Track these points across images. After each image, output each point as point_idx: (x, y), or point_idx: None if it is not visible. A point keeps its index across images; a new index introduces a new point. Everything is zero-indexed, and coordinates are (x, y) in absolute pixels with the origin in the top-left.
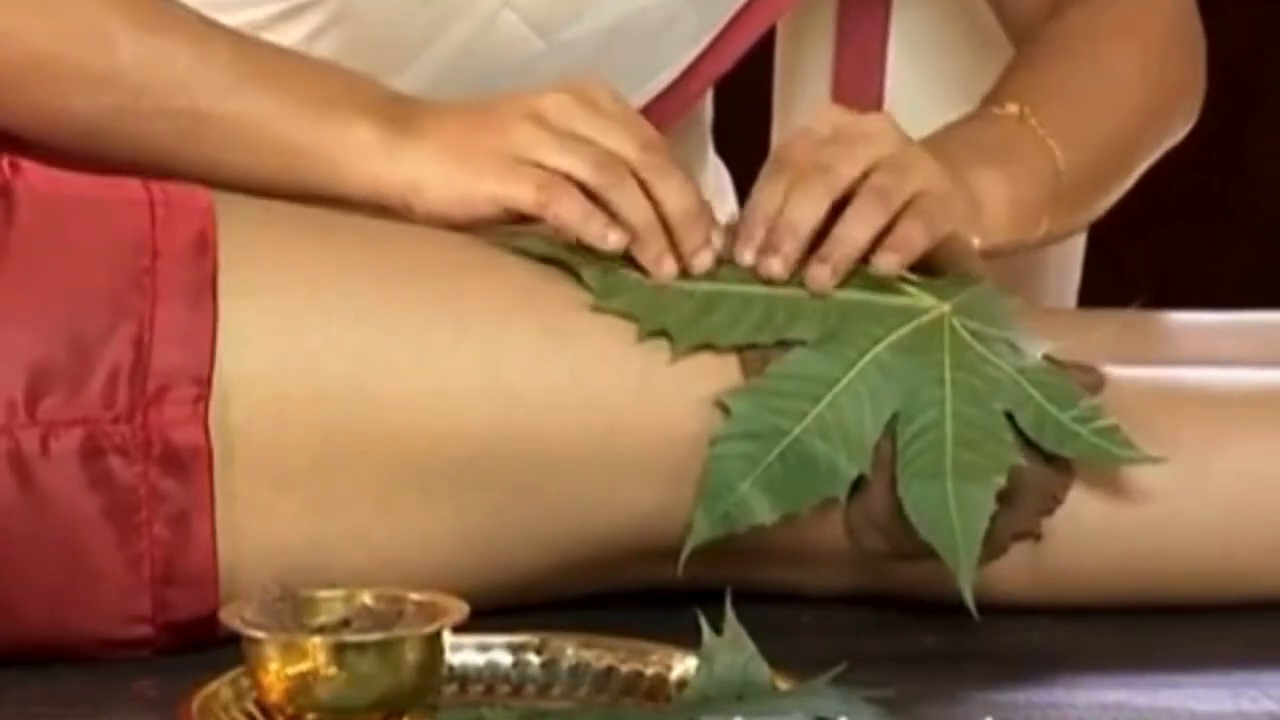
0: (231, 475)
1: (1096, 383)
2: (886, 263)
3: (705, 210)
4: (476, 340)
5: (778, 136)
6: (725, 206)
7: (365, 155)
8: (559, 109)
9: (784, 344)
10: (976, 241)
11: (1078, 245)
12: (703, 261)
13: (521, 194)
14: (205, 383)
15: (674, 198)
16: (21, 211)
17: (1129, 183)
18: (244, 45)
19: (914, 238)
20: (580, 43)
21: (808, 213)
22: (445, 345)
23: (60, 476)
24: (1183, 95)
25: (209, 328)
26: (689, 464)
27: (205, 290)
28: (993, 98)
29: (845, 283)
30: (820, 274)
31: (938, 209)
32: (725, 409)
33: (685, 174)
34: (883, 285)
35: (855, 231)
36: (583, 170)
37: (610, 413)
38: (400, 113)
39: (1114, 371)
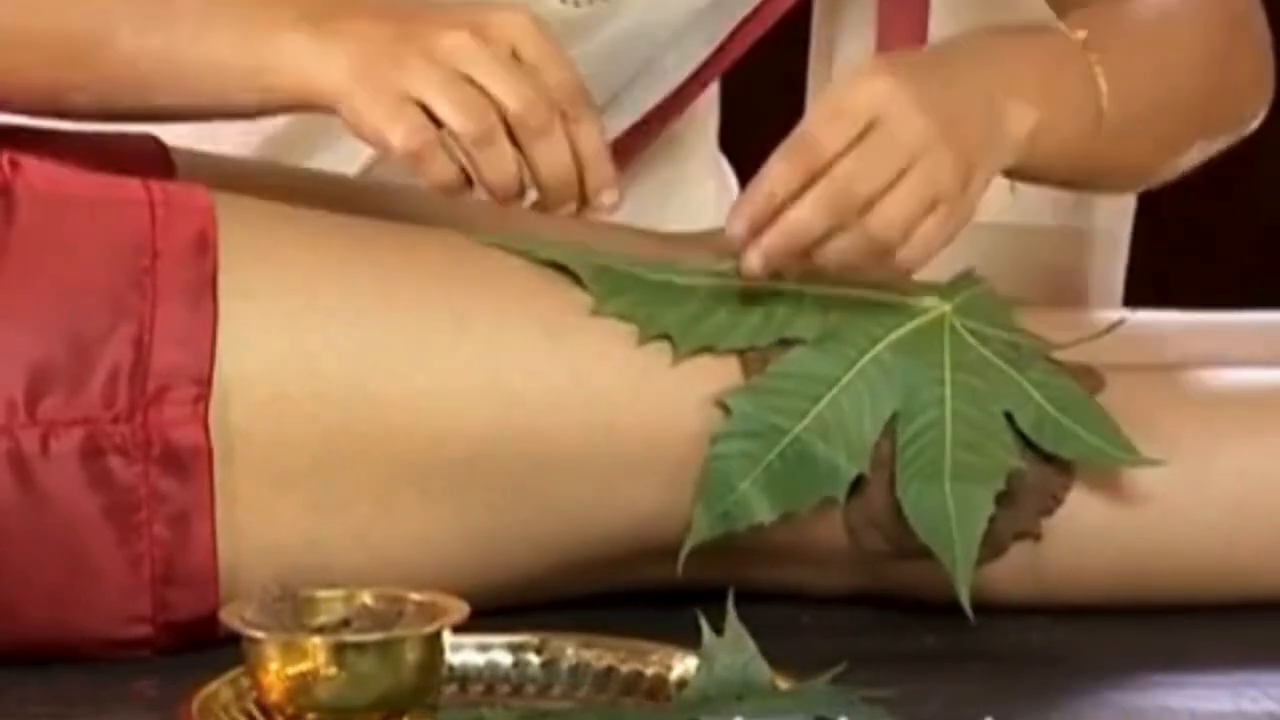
0: (231, 475)
1: (1096, 383)
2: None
3: (596, 162)
4: (476, 340)
5: (814, 88)
6: (732, 196)
7: (294, 63)
8: (458, 50)
9: (784, 342)
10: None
11: (1121, 247)
12: (604, 207)
13: (394, 140)
14: (205, 383)
15: (550, 159)
16: (21, 211)
17: (1174, 160)
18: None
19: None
20: (597, 52)
21: (814, 226)
22: (445, 345)
23: (60, 476)
24: (1243, 91)
25: (209, 328)
26: (689, 464)
27: (205, 290)
28: (1067, 19)
29: (846, 282)
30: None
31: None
32: (725, 408)
33: (576, 127)
34: (883, 285)
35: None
36: (513, 105)
37: (610, 413)
38: (325, 13)
39: (1114, 372)
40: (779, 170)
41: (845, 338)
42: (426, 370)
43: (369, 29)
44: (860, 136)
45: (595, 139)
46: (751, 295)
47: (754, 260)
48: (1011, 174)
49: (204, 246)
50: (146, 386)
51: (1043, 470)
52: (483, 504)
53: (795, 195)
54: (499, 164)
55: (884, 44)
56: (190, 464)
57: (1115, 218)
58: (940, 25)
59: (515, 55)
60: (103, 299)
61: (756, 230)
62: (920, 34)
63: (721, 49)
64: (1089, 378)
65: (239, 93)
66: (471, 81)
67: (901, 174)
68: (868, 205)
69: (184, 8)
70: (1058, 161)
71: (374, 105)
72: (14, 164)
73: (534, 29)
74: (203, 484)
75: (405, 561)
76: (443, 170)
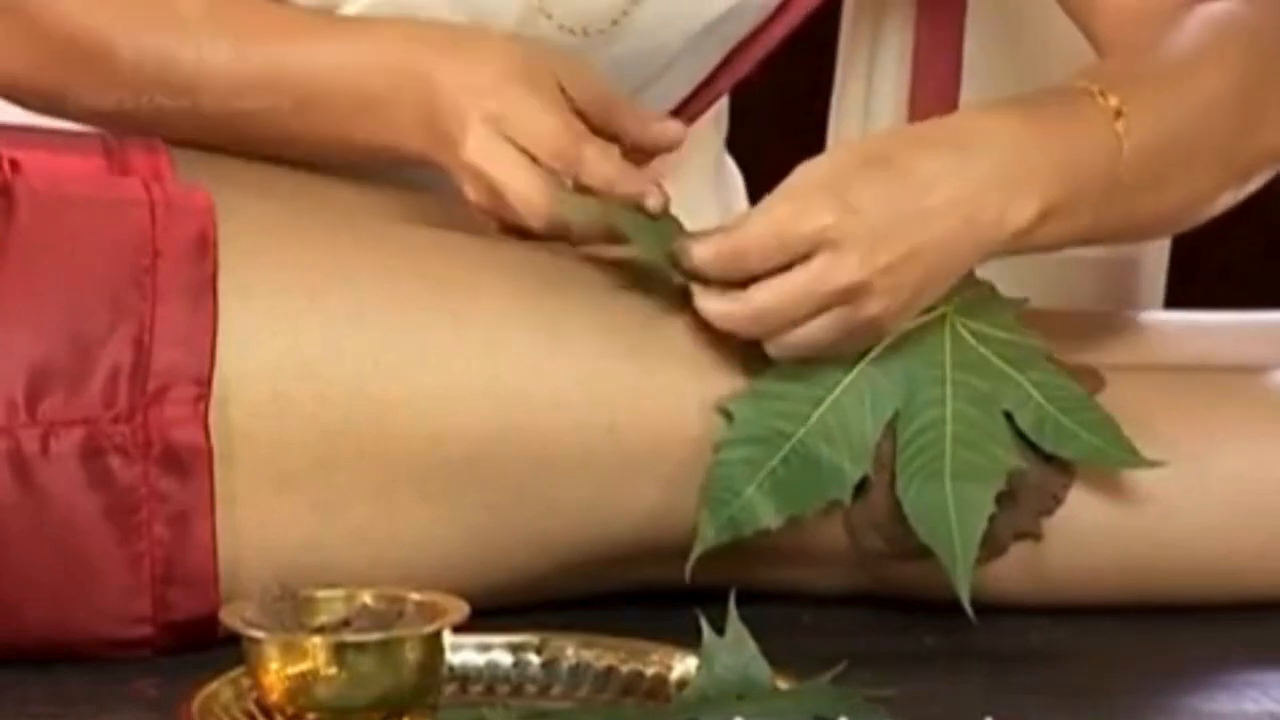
0: (231, 475)
1: (1097, 383)
2: None
3: (622, 186)
4: (476, 340)
5: (841, 96)
6: (738, 206)
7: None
8: (476, 154)
9: None
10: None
11: (1162, 263)
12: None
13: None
14: (205, 383)
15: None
16: (21, 211)
17: (1206, 207)
18: (248, 41)
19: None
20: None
21: (720, 323)
22: (445, 345)
23: (60, 476)
24: (1275, 126)
25: (209, 328)
26: (690, 464)
27: (205, 290)
28: (1101, 77)
29: None
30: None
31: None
32: (728, 415)
33: (582, 170)
34: None
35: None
36: (547, 160)
37: (610, 413)
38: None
39: (1114, 373)
40: (705, 253)
41: None
42: (426, 370)
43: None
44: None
45: (603, 172)
46: None
47: (712, 307)
48: (1004, 255)
49: (204, 246)
50: (146, 386)
51: (1043, 470)
52: (483, 504)
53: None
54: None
55: (920, 55)
56: (190, 464)
57: (1155, 248)
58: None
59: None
60: (103, 299)
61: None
62: (955, 43)
63: (720, 72)
64: (1089, 378)
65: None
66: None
67: (821, 310)
68: (777, 331)
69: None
70: (1067, 235)
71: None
72: (14, 164)
73: (516, 97)
74: (203, 484)
75: (405, 561)
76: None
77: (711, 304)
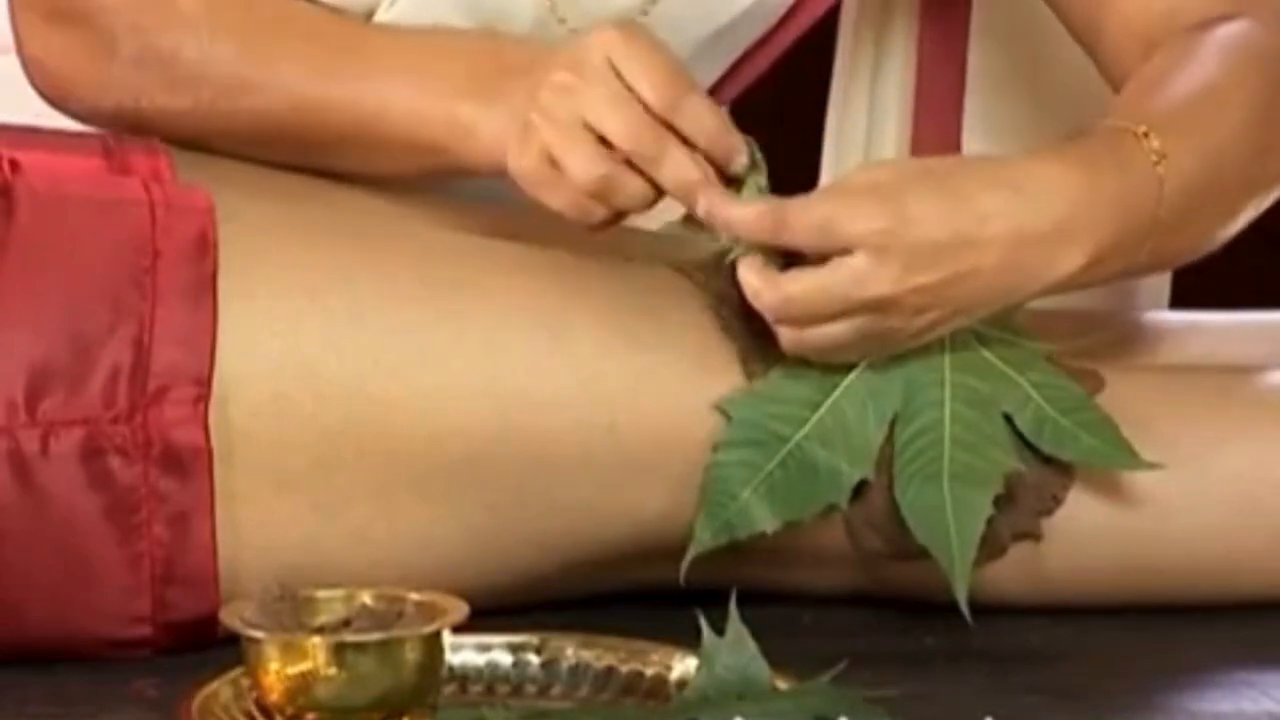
0: (231, 475)
1: (1097, 384)
2: None
3: (717, 139)
4: (476, 340)
5: (831, 165)
6: None
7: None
8: (564, 97)
9: None
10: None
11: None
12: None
13: (570, 171)
14: (205, 383)
15: (671, 176)
16: (21, 211)
17: (1229, 229)
18: (252, 37)
19: None
20: None
21: (809, 314)
22: (445, 345)
23: (60, 476)
24: None
25: (209, 328)
26: (690, 464)
27: (205, 290)
28: (1142, 116)
29: None
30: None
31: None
32: (726, 415)
33: (683, 118)
34: None
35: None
36: (622, 143)
37: (610, 413)
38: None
39: (1114, 373)
40: (745, 213)
41: None
42: (426, 370)
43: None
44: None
45: (706, 119)
46: None
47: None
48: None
49: (204, 246)
50: (146, 386)
51: (1043, 471)
52: (483, 504)
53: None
54: (624, 196)
55: (924, 59)
56: (190, 464)
57: None
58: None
59: (615, 70)
60: (103, 299)
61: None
62: (959, 51)
63: (727, 79)
64: (1089, 378)
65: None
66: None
67: (846, 315)
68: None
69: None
70: (1103, 278)
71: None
72: (14, 164)
73: (620, 39)
74: (203, 484)
75: (405, 561)
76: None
77: (747, 274)
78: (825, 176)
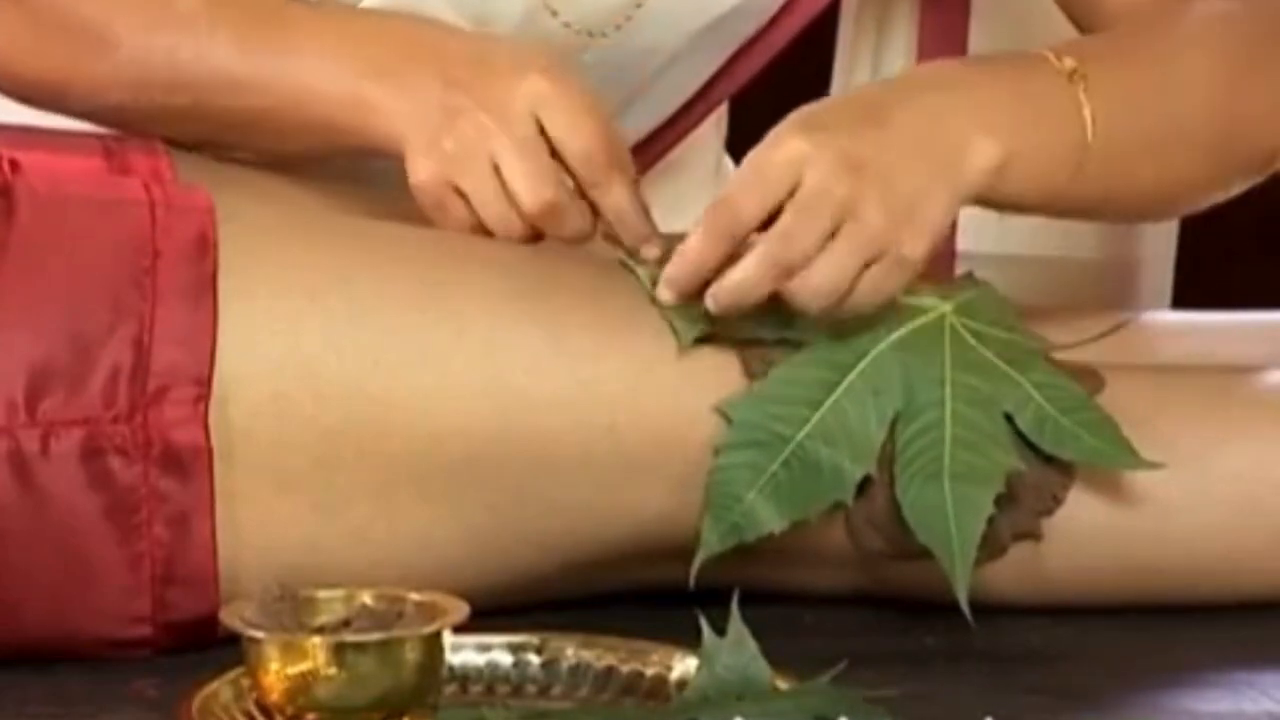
0: (231, 475)
1: (1097, 384)
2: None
3: (628, 222)
4: (476, 340)
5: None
6: None
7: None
8: (483, 140)
9: (785, 343)
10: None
11: (1168, 266)
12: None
13: (477, 208)
14: (205, 383)
15: (573, 236)
16: (21, 211)
17: (1184, 193)
18: (248, 34)
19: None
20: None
21: (752, 291)
22: (445, 345)
23: (60, 476)
24: (1263, 123)
25: (209, 328)
26: (690, 464)
27: (205, 290)
28: (1061, 48)
29: None
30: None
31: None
32: (727, 417)
33: (602, 194)
34: None
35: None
36: (529, 209)
37: (610, 413)
38: (390, 65)
39: (1114, 372)
40: (700, 242)
41: (845, 339)
42: (426, 370)
43: (427, 93)
44: (782, 201)
45: (623, 202)
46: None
47: (665, 296)
48: (983, 204)
49: (204, 246)
50: (146, 386)
51: (1043, 470)
52: (483, 504)
53: (722, 261)
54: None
55: (925, 56)
56: (190, 464)
57: (1160, 246)
58: (980, 30)
59: (540, 127)
60: (103, 299)
61: (687, 298)
62: (960, 40)
63: (722, 76)
64: (1089, 378)
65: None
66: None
67: (828, 236)
68: (798, 269)
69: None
70: (1033, 193)
71: (421, 191)
72: (14, 165)
73: (552, 95)
74: (203, 484)
75: (405, 561)
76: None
77: (734, 274)
78: None
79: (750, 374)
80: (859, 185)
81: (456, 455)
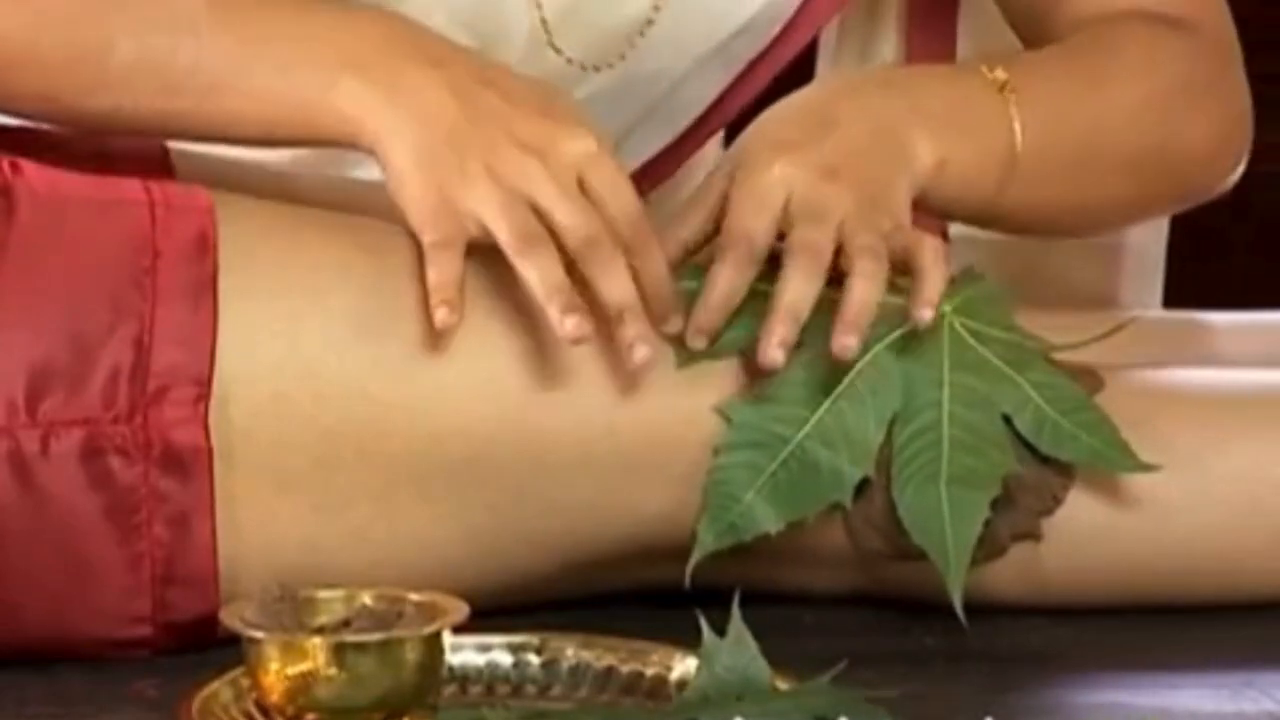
0: (231, 475)
1: (1096, 384)
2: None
3: (659, 293)
4: (477, 340)
5: None
6: None
7: (344, 123)
8: (524, 175)
9: None
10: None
11: (1156, 263)
12: (641, 354)
13: (427, 235)
14: (205, 383)
15: (613, 290)
16: (21, 211)
17: (1102, 212)
18: (248, 35)
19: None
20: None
21: (803, 303)
22: (445, 345)
23: (60, 477)
24: (1193, 152)
25: (209, 328)
26: (690, 465)
27: (205, 290)
28: (988, 58)
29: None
30: (849, 343)
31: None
32: (727, 418)
33: (639, 260)
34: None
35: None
36: (572, 236)
37: (610, 413)
38: (395, 78)
39: (1114, 373)
40: (726, 280)
41: None
42: (427, 370)
43: (429, 97)
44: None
45: (655, 269)
46: (750, 298)
47: (777, 355)
48: (919, 204)
49: (204, 246)
50: (147, 387)
51: (1042, 471)
52: (483, 504)
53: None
54: (541, 268)
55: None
56: (190, 464)
57: (1148, 233)
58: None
59: (580, 182)
60: (103, 299)
61: (711, 335)
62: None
63: (726, 95)
64: (1089, 378)
65: (280, 127)
66: (532, 204)
67: (839, 229)
68: (832, 265)
69: (226, 41)
70: (964, 197)
71: (424, 201)
72: (14, 165)
73: (601, 157)
74: (203, 484)
75: (405, 561)
76: (449, 272)
77: (782, 297)
78: None
79: (750, 374)
80: (840, 188)
81: (456, 455)
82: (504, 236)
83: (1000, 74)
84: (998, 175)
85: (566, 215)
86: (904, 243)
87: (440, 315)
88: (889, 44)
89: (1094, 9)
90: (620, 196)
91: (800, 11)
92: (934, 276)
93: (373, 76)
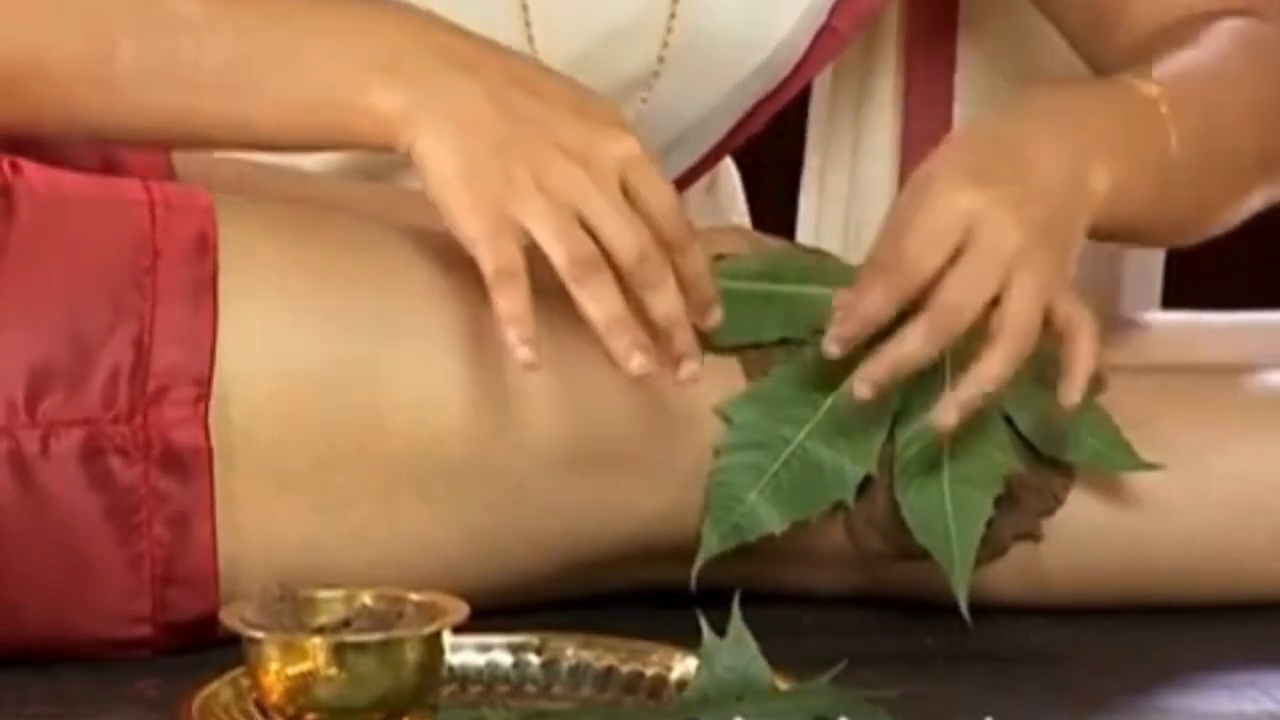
0: (231, 475)
1: (1097, 385)
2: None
3: (698, 287)
4: (477, 339)
5: (814, 168)
6: (735, 208)
7: (380, 127)
8: (571, 184)
9: (785, 343)
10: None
11: (1158, 256)
12: (689, 370)
13: (486, 259)
14: (205, 383)
15: (662, 304)
16: (21, 211)
17: (1235, 210)
18: (251, 33)
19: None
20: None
21: (921, 356)
22: (445, 345)
23: (60, 477)
24: None
25: (209, 328)
26: (690, 465)
27: (205, 290)
28: (1137, 72)
29: (845, 281)
30: (949, 415)
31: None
32: (728, 419)
33: (680, 257)
34: None
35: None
36: (625, 254)
37: (609, 413)
38: (431, 81)
39: (1114, 373)
40: (876, 295)
41: None
42: (427, 370)
43: (467, 101)
44: (954, 256)
45: (698, 265)
46: (749, 297)
47: (864, 391)
48: (1090, 235)
49: (204, 246)
50: (147, 387)
51: (1043, 471)
52: (483, 504)
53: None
54: (601, 301)
55: (911, 113)
56: (190, 464)
57: None
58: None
59: (622, 184)
60: (103, 299)
61: (849, 345)
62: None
63: (730, 136)
64: (1090, 379)
65: (310, 130)
66: (581, 217)
67: (1004, 286)
68: (972, 325)
69: (265, 40)
70: (1134, 217)
71: (474, 214)
72: (14, 166)
73: (641, 158)
74: (203, 484)
75: (405, 561)
76: (516, 302)
77: (895, 350)
78: (803, 224)
79: (750, 374)
80: (1028, 232)
81: (456, 455)
82: (560, 262)
83: (1154, 89)
84: (1158, 193)
85: (617, 231)
86: (1066, 312)
87: (522, 356)
88: (887, 78)
89: (1158, 17)
90: (662, 197)
91: (811, 49)
92: (1087, 356)
93: (407, 78)
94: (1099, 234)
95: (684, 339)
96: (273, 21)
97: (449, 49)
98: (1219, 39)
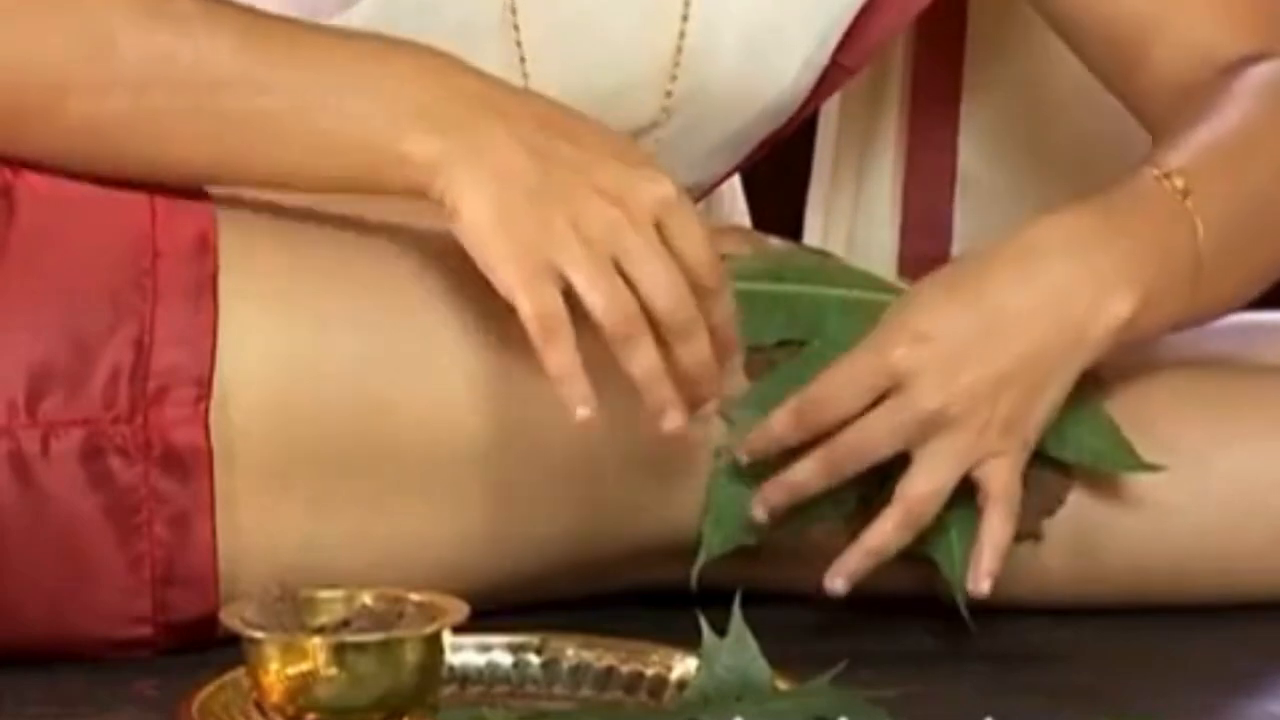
0: (231, 475)
1: (1098, 385)
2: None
3: (725, 332)
4: (477, 340)
5: (817, 211)
6: (736, 208)
7: (413, 174)
8: (608, 230)
9: (785, 344)
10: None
11: None
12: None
13: (525, 307)
14: (205, 383)
15: (691, 356)
16: (21, 211)
17: (1264, 282)
18: (252, 32)
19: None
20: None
21: (810, 486)
22: (445, 345)
23: (61, 477)
24: None
25: (209, 328)
26: (690, 466)
27: (205, 290)
28: (1162, 160)
29: (845, 282)
30: (837, 585)
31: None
32: (728, 419)
33: (711, 303)
34: (888, 287)
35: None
36: (660, 306)
37: (610, 413)
38: (465, 128)
39: (1114, 373)
40: (789, 420)
41: (845, 340)
42: (426, 370)
43: (504, 150)
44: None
45: (726, 313)
46: (751, 297)
47: (760, 514)
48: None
49: (204, 246)
50: (147, 387)
51: (1045, 471)
52: (482, 504)
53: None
54: (642, 359)
55: (913, 160)
56: (190, 464)
57: None
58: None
59: (658, 226)
60: (103, 299)
61: (756, 458)
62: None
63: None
64: (1091, 379)
65: (345, 175)
66: (617, 261)
67: (915, 443)
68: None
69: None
70: (1171, 315)
71: (511, 261)
72: (14, 166)
73: (677, 200)
74: (203, 484)
75: (405, 561)
76: (564, 354)
77: (790, 476)
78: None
79: (750, 374)
80: (953, 407)
81: (456, 455)
82: (599, 314)
83: (1180, 182)
84: (1190, 289)
85: (654, 280)
86: (1002, 480)
87: (581, 415)
88: (890, 128)
89: (1180, 65)
90: (697, 242)
91: (817, 85)
92: (996, 536)
93: (441, 125)
94: (1138, 342)
95: (710, 389)
96: (304, 66)
97: (480, 94)
98: (1242, 99)
